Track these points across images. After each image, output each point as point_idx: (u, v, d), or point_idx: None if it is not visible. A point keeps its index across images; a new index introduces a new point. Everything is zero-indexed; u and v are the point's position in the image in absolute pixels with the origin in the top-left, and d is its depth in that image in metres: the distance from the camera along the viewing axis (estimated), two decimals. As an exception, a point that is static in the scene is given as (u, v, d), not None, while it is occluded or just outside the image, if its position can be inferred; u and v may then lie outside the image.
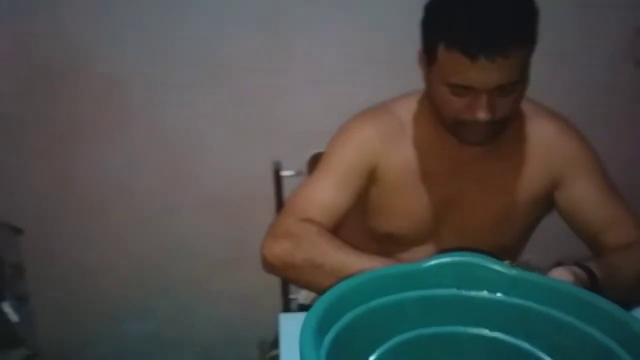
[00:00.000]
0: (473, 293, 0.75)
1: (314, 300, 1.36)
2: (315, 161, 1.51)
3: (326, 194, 1.15)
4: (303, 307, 1.45)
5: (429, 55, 1.06)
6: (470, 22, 0.98)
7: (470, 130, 1.06)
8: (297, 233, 1.08)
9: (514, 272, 0.76)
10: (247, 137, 1.92)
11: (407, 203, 1.20)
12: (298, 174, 1.53)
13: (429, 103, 1.13)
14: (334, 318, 0.68)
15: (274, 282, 1.82)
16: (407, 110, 1.20)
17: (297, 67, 1.85)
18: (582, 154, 1.16)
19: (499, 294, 0.75)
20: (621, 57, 1.92)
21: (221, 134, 1.91)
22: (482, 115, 1.01)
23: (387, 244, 1.23)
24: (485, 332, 0.75)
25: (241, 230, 1.99)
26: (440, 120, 1.11)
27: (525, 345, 0.73)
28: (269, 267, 1.11)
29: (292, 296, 1.59)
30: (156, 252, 2.01)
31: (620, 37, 1.90)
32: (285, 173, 1.53)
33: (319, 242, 1.05)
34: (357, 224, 1.25)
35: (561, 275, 0.90)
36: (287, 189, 1.55)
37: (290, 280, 1.30)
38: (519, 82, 1.02)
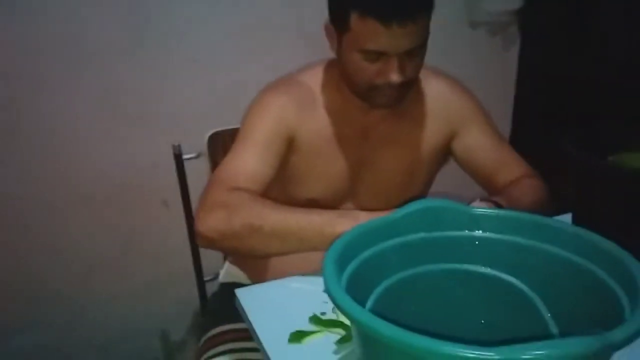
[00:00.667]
0: (462, 233, 0.85)
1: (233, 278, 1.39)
2: (214, 140, 1.53)
3: (251, 163, 1.18)
4: (225, 286, 1.46)
5: (340, 26, 1.12)
6: None
7: (382, 93, 1.15)
8: (230, 201, 1.08)
9: (477, 210, 0.87)
10: (133, 124, 1.85)
11: (325, 167, 1.28)
12: (199, 155, 1.53)
13: (340, 72, 1.20)
14: (349, 257, 0.77)
15: (177, 271, 1.81)
16: (315, 80, 1.27)
17: (173, 47, 1.82)
18: (474, 107, 1.32)
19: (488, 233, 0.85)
20: (457, 20, 2.13)
21: (105, 124, 1.83)
22: (395, 77, 1.10)
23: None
24: (481, 269, 0.86)
25: (135, 220, 1.93)
26: (352, 87, 1.19)
27: (512, 279, 0.84)
28: (206, 241, 1.10)
29: (207, 278, 1.60)
30: (41, 256, 1.88)
31: (455, 1, 2.10)
32: (186, 156, 1.53)
33: (254, 206, 1.07)
34: (277, 193, 1.29)
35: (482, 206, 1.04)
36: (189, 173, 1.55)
37: (229, 251, 1.31)
38: (423, 45, 1.13)
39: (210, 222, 1.08)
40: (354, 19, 1.08)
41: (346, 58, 1.14)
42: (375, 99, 1.17)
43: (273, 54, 1.90)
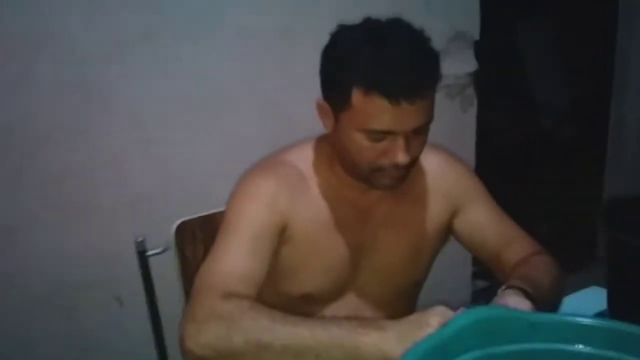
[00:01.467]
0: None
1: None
2: (182, 231, 1.37)
3: (243, 261, 1.03)
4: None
5: (339, 103, 1.02)
6: (389, 66, 0.96)
7: (386, 174, 1.05)
8: (227, 312, 0.93)
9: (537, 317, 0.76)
10: (82, 214, 1.66)
11: (322, 258, 1.15)
12: (165, 250, 1.36)
13: (337, 152, 1.09)
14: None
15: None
16: (305, 160, 1.16)
17: (124, 128, 1.66)
18: (474, 182, 1.24)
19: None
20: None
21: (49, 214, 1.62)
22: (402, 158, 1.00)
23: (304, 306, 1.15)
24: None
25: (84, 329, 1.70)
26: (351, 168, 1.08)
27: None
28: (197, 358, 0.94)
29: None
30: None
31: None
32: (151, 252, 1.35)
33: (259, 317, 0.92)
34: (265, 290, 1.12)
35: (519, 302, 0.93)
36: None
37: None
38: (430, 121, 1.04)
39: (204, 338, 0.92)
40: (357, 96, 0.98)
41: (346, 138, 1.03)
42: (377, 181, 1.07)
43: (232, 127, 1.77)
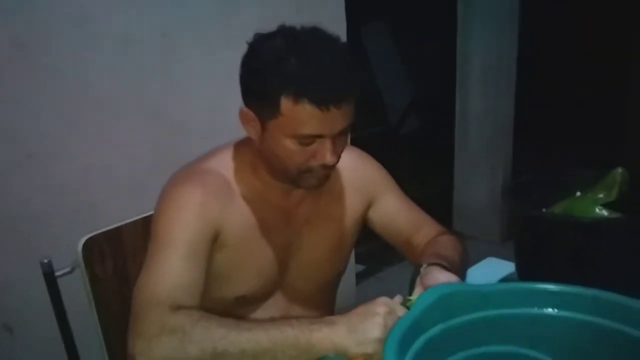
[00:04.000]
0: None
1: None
2: (89, 247, 1.30)
3: (183, 272, 1.02)
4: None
5: (266, 112, 1.03)
6: (317, 74, 0.98)
7: (314, 175, 1.09)
8: (179, 325, 0.93)
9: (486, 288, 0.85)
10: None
11: (254, 261, 1.16)
12: (73, 269, 1.28)
13: (264, 157, 1.11)
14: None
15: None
16: (226, 166, 1.16)
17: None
18: (382, 174, 1.32)
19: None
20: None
21: None
22: (330, 159, 1.05)
23: (237, 308, 1.17)
24: (500, 347, 0.83)
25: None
26: (279, 171, 1.10)
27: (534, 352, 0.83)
28: None
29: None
30: None
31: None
32: (60, 272, 1.26)
33: (211, 327, 0.93)
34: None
35: (448, 277, 1.01)
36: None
37: None
38: (352, 122, 1.09)
39: (158, 353, 0.91)
40: (286, 104, 0.99)
41: (275, 144, 1.05)
42: (305, 181, 1.10)
43: (117, 136, 1.71)
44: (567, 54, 3.73)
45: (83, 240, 1.28)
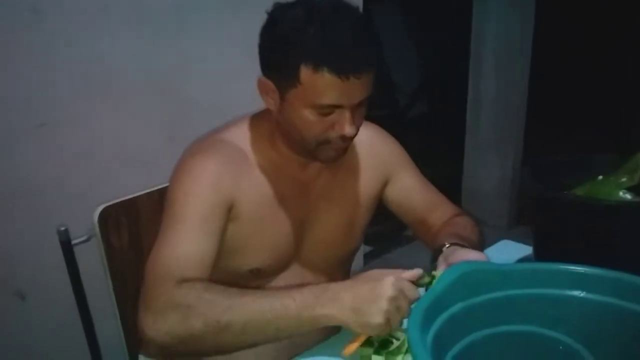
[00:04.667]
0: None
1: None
2: (105, 217, 1.30)
3: (194, 245, 1.03)
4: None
5: (285, 81, 1.02)
6: (337, 43, 0.98)
7: (332, 147, 1.07)
8: (183, 299, 0.95)
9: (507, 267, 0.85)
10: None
11: (269, 233, 1.16)
12: (90, 238, 1.28)
13: (282, 128, 1.10)
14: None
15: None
16: (244, 138, 1.15)
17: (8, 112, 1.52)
18: (400, 151, 1.31)
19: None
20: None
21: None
22: (349, 130, 1.04)
23: (251, 280, 1.16)
24: (522, 327, 0.83)
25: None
26: (297, 143, 1.09)
27: (554, 333, 0.83)
28: (159, 348, 0.96)
29: None
30: None
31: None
32: (76, 241, 1.26)
33: (214, 299, 0.94)
34: (213, 268, 1.10)
35: (476, 255, 1.01)
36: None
37: (188, 354, 1.10)
38: (371, 94, 1.06)
39: (164, 327, 0.94)
40: (306, 73, 0.98)
41: (294, 114, 1.04)
42: (324, 153, 1.09)
43: (128, 108, 1.70)
44: (584, 36, 3.68)
45: (99, 209, 1.28)
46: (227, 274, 1.12)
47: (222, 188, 1.08)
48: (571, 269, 0.85)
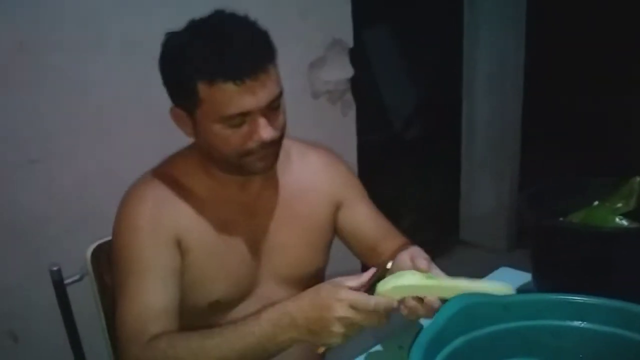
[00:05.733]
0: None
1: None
2: (97, 255, 1.28)
3: (156, 298, 1.04)
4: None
5: (189, 103, 1.02)
6: (223, 51, 0.98)
7: (257, 157, 1.05)
8: (152, 357, 0.98)
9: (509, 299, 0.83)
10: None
11: (223, 262, 1.14)
12: (82, 277, 1.26)
13: (205, 151, 1.09)
14: None
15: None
16: (178, 169, 1.14)
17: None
18: (353, 178, 1.30)
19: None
20: (302, 92, 2.14)
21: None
22: (265, 134, 1.02)
23: (212, 314, 1.15)
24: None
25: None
26: (222, 161, 1.08)
27: None
28: None
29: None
30: None
31: (297, 74, 2.11)
32: (69, 280, 1.25)
33: (178, 354, 0.97)
34: None
35: (420, 254, 1.04)
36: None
37: None
38: (281, 94, 1.05)
39: None
40: (203, 89, 0.98)
41: (207, 133, 1.03)
42: (251, 166, 1.07)
43: (121, 141, 1.70)
44: (575, 58, 3.71)
45: (92, 247, 1.27)
46: (187, 310, 1.10)
47: (163, 226, 1.07)
48: (571, 299, 0.83)
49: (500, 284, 0.92)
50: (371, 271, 0.96)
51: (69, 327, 1.24)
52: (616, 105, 3.52)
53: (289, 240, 1.19)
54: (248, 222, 1.16)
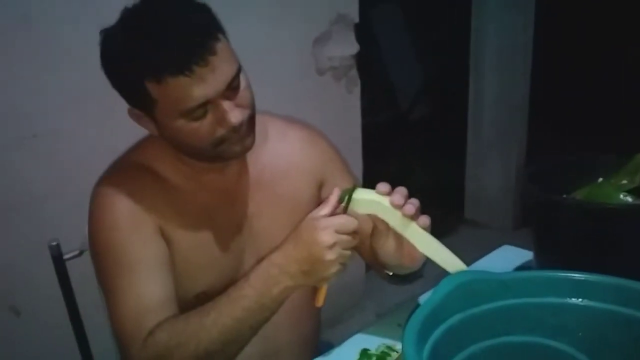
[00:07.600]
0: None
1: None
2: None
3: (153, 290, 1.00)
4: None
5: (144, 104, 0.96)
6: (163, 42, 0.91)
7: (231, 142, 0.99)
8: (153, 354, 0.96)
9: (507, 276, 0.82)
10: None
11: (206, 251, 1.10)
12: (82, 252, 1.26)
13: (176, 146, 1.03)
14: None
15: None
16: (151, 157, 1.08)
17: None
18: (335, 153, 1.24)
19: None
20: (306, 69, 2.12)
21: None
22: (234, 118, 0.95)
23: (200, 306, 1.06)
24: (522, 338, 0.80)
25: None
26: (195, 153, 1.03)
27: (556, 343, 0.80)
28: None
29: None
30: None
31: (302, 50, 2.09)
32: (68, 255, 1.24)
33: (181, 339, 0.95)
34: None
35: None
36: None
37: None
38: (239, 71, 0.98)
39: None
40: (153, 88, 0.92)
41: (172, 130, 0.97)
42: (228, 152, 1.01)
43: (124, 117, 1.67)
44: (586, 35, 3.65)
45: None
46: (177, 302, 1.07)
47: (144, 219, 1.03)
48: (570, 276, 0.82)
49: (458, 261, 0.91)
50: (335, 191, 0.95)
51: (69, 302, 1.24)
52: (626, 84, 3.47)
53: (273, 223, 1.13)
54: (229, 208, 1.11)
